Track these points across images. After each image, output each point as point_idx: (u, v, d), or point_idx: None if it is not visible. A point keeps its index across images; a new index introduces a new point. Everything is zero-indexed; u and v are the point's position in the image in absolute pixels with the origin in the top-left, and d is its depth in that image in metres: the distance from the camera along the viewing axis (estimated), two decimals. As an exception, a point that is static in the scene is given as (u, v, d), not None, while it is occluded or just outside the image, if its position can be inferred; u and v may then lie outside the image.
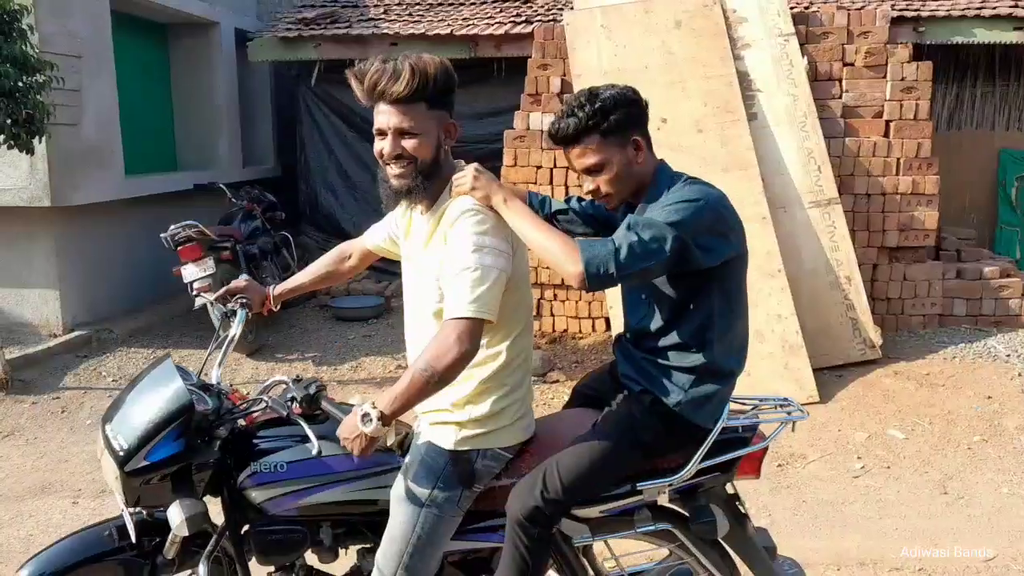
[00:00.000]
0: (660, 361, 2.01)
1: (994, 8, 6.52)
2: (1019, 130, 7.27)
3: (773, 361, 4.83)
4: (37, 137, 4.96)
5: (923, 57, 6.10)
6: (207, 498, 2.15)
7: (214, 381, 2.23)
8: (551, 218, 2.26)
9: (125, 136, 6.57)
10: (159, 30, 7.76)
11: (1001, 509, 3.77)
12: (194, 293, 5.46)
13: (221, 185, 6.99)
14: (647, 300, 2.06)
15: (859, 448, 4.34)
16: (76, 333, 6.08)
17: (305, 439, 2.02)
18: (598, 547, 2.32)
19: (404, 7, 8.28)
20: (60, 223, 6.01)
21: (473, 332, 1.82)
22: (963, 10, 6.52)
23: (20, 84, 4.75)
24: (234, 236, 6.16)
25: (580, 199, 2.30)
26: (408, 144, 1.91)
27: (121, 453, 1.97)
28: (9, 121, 4.72)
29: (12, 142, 4.84)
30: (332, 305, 7.00)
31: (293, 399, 2.03)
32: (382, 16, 7.96)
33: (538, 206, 2.25)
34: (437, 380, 1.81)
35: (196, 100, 7.91)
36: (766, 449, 2.17)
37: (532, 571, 1.96)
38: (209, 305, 5.56)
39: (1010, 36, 6.50)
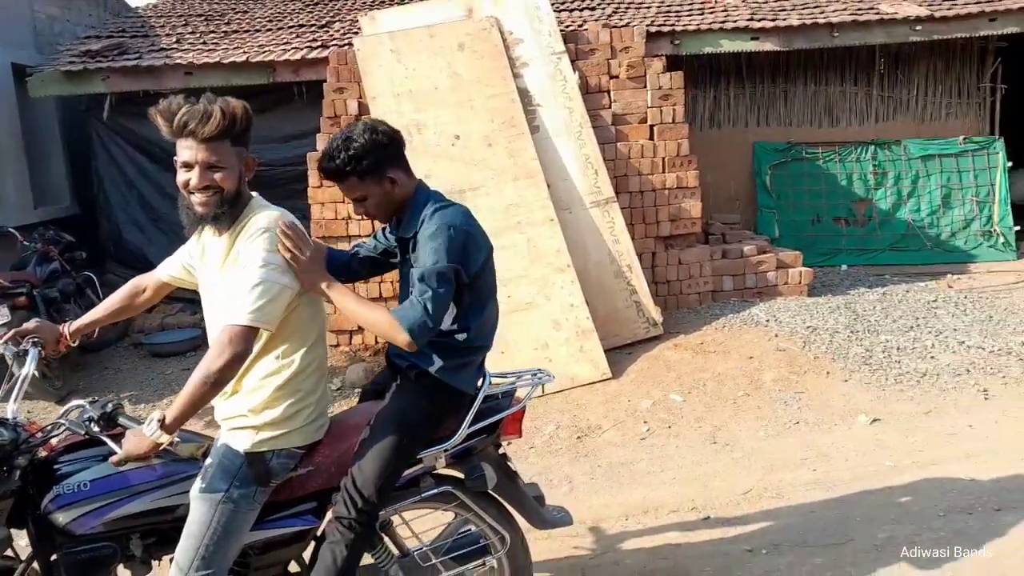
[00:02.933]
0: None
1: (735, 22, 7.51)
2: (768, 125, 8.36)
3: (569, 346, 5.36)
4: None
5: (682, 67, 6.91)
6: (13, 531, 2.25)
7: (9, 416, 2.32)
8: (350, 261, 2.59)
9: None
10: (-78, 68, 7.25)
11: (757, 450, 4.45)
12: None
13: (11, 229, 6.67)
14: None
15: (645, 414, 4.94)
16: None
17: (106, 457, 2.18)
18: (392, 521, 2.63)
19: (198, 35, 8.21)
20: None
21: (247, 337, 2.07)
22: (709, 24, 7.46)
23: None
24: (30, 281, 5.93)
25: (363, 243, 2.67)
26: (216, 176, 2.12)
27: None
28: None
29: None
30: (146, 342, 6.85)
31: (91, 419, 2.17)
32: (175, 46, 7.86)
33: (348, 260, 2.58)
34: (213, 382, 2.05)
35: (-27, 141, 7.45)
36: (523, 410, 2.57)
37: (352, 560, 2.29)
38: (7, 353, 5.39)
39: (748, 45, 7.52)
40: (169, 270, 2.55)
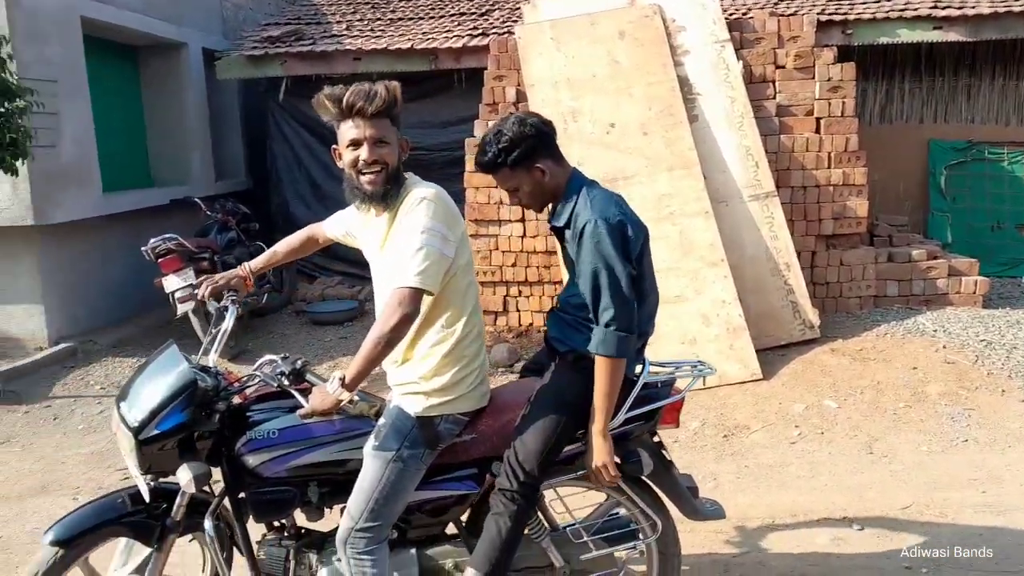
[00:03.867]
0: (584, 323, 2.39)
1: (916, 10, 7.03)
2: (946, 122, 7.78)
3: (719, 343, 5.24)
4: (21, 159, 5.23)
5: (854, 57, 6.57)
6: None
7: (211, 364, 2.56)
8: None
9: (101, 155, 6.82)
10: (130, 52, 8.02)
11: (919, 464, 4.20)
12: (177, 301, 5.76)
13: (196, 199, 7.28)
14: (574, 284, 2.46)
15: (797, 418, 4.76)
16: (61, 346, 6.33)
17: (292, 410, 2.37)
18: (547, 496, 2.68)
19: (366, 23, 8.62)
20: (42, 241, 6.26)
21: (414, 299, 2.18)
22: (887, 12, 7.02)
23: (3, 110, 5.03)
24: (211, 248, 6.45)
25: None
26: (383, 151, 2.26)
27: (135, 424, 2.29)
28: (-7, 145, 5.00)
29: (-2, 165, 5.12)
30: (308, 311, 7.30)
31: (282, 373, 2.36)
32: (345, 32, 8.29)
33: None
34: (386, 342, 2.18)
35: (168, 118, 8.18)
36: (682, 401, 2.55)
37: (516, 532, 2.37)
38: (191, 313, 5.92)
39: (931, 35, 7.01)
40: (335, 229, 2.72)
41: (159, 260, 5.82)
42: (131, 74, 8.10)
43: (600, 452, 2.34)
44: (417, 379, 2.36)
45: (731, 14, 6.68)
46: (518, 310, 6.38)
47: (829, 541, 3.47)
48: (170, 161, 8.26)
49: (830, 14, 7.07)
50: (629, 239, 2.32)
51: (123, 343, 6.66)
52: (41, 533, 3.83)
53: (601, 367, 2.30)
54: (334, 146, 2.37)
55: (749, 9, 7.33)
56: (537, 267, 6.26)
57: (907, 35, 7.02)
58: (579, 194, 2.39)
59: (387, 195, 2.29)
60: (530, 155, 2.37)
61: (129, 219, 7.11)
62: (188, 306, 5.94)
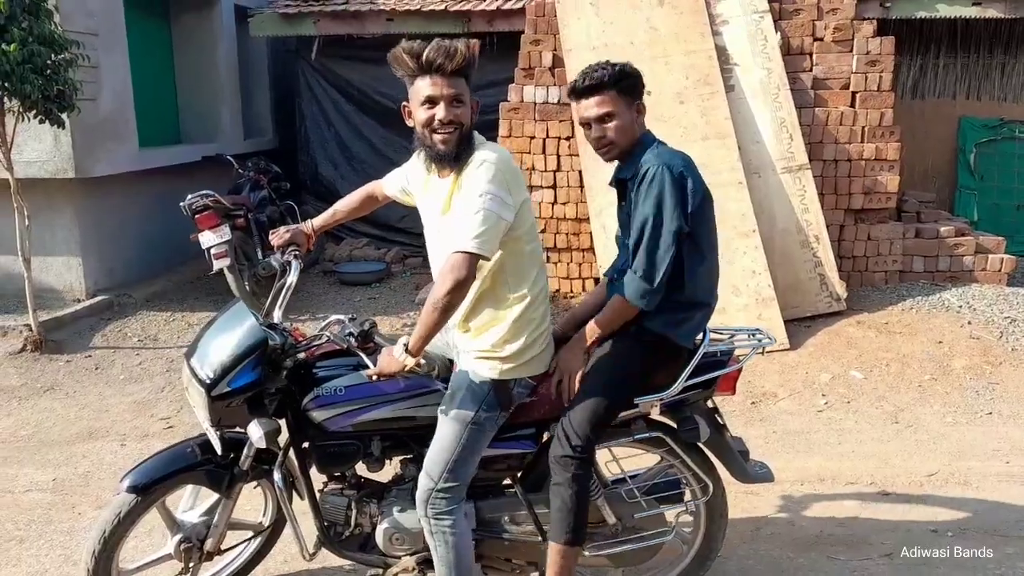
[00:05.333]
0: None
1: (955, -15, 6.97)
2: (978, 99, 7.75)
3: (748, 313, 5.33)
4: (67, 111, 5.30)
5: (890, 31, 6.53)
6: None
7: (277, 321, 2.64)
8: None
9: (136, 110, 6.88)
10: (162, 6, 8.03)
11: (944, 435, 4.31)
12: (212, 258, 5.87)
13: (229, 157, 7.35)
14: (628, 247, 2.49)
15: (823, 387, 4.86)
16: (99, 298, 6.46)
17: (357, 368, 2.47)
18: (602, 455, 2.79)
19: (398, -18, 8.58)
20: (80, 194, 6.36)
21: (469, 264, 2.18)
22: (926, -13, 6.97)
23: (51, 62, 5.09)
24: (246, 205, 6.54)
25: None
26: (459, 111, 2.24)
27: (208, 381, 2.38)
28: (41, 96, 5.06)
29: (44, 117, 5.19)
30: (337, 271, 7.41)
31: (351, 334, 2.45)
32: (378, -8, 8.26)
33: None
34: (442, 307, 2.19)
35: (199, 74, 8.21)
36: (741, 369, 2.63)
37: (582, 495, 2.43)
38: (225, 270, 6.00)
39: (969, 11, 6.95)
40: (392, 187, 2.72)
41: (195, 216, 5.89)
42: (163, 29, 8.11)
43: (575, 360, 2.45)
44: (490, 346, 2.39)
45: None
46: (548, 276, 6.45)
47: (856, 505, 3.59)
48: (200, 118, 8.30)
49: (868, -14, 7.01)
50: (688, 192, 2.34)
51: (157, 297, 6.79)
52: (93, 476, 4.05)
53: (616, 302, 2.41)
54: (404, 103, 2.35)
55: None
56: (567, 234, 6.33)
57: (945, 10, 6.96)
58: (650, 149, 2.44)
59: (459, 156, 2.27)
60: (637, 89, 2.44)
61: (162, 174, 7.19)
62: (224, 262, 6.10)
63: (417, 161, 2.49)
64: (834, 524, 3.43)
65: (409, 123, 2.37)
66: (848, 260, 6.18)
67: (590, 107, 2.42)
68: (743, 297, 5.38)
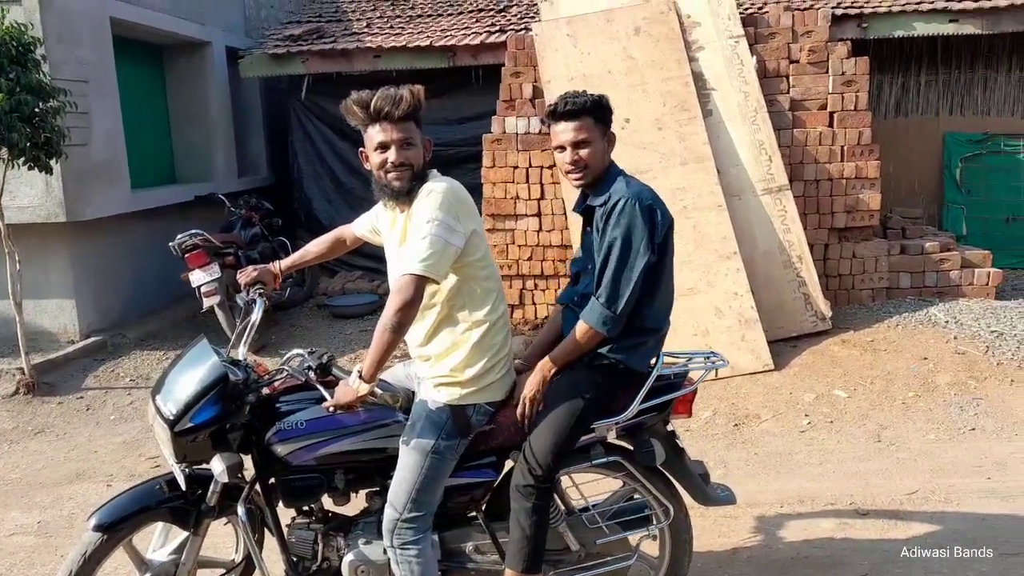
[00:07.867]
0: None
1: (931, 3, 7.05)
2: (962, 115, 7.80)
3: (731, 334, 5.34)
4: (54, 158, 5.42)
5: (869, 51, 6.61)
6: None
7: (241, 358, 2.69)
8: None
9: (128, 153, 7.01)
10: (155, 51, 8.21)
11: (927, 452, 4.29)
12: (203, 297, 5.95)
13: (220, 196, 7.46)
14: (592, 272, 2.55)
15: (807, 407, 4.86)
16: (92, 339, 6.53)
17: (319, 401, 2.51)
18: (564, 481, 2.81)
19: (385, 20, 8.75)
20: (73, 237, 6.46)
21: (416, 285, 2.27)
22: (902, 6, 7.05)
23: (38, 110, 5.22)
24: (236, 243, 6.64)
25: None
26: (409, 153, 2.37)
27: (171, 417, 2.42)
28: (29, 144, 5.18)
29: (32, 163, 5.31)
30: (329, 304, 7.47)
31: (309, 367, 2.49)
32: (365, 30, 8.43)
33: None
34: (390, 328, 2.26)
35: (192, 115, 8.36)
36: (695, 392, 2.66)
37: (541, 525, 2.47)
38: (216, 307, 6.08)
39: (947, 28, 7.03)
40: (362, 228, 2.84)
41: (185, 255, 5.97)
42: (156, 73, 8.29)
43: (534, 385, 2.48)
44: (449, 371, 2.45)
45: (746, 9, 6.74)
46: (534, 303, 6.51)
47: (835, 526, 3.57)
48: (194, 158, 8.44)
49: (845, 8, 7.11)
50: (657, 223, 2.43)
51: (151, 336, 6.86)
52: (77, 518, 4.07)
53: (580, 329, 2.45)
54: (361, 149, 2.48)
55: (764, 3, 7.37)
56: (553, 261, 6.38)
57: (923, 28, 7.05)
58: (619, 178, 2.52)
59: (412, 191, 2.39)
60: (609, 119, 2.53)
61: (156, 215, 7.31)
62: (214, 300, 6.18)
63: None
64: (811, 546, 3.41)
65: (367, 167, 2.50)
66: (834, 279, 6.20)
67: (568, 131, 2.50)
68: (726, 319, 5.40)
